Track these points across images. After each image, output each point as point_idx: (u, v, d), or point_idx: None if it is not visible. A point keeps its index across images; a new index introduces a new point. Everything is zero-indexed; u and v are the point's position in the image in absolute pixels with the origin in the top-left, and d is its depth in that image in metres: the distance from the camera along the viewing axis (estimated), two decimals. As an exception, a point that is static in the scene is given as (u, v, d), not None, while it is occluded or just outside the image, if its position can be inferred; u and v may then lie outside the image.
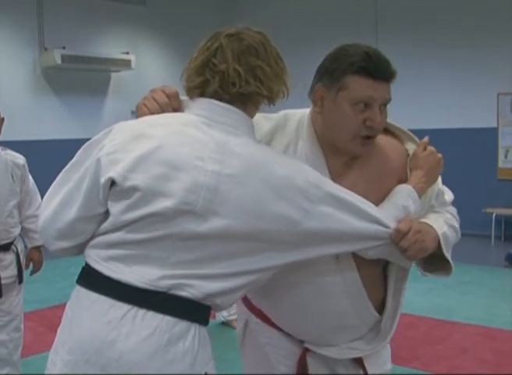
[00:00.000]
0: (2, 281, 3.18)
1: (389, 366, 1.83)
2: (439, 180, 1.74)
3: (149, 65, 9.12)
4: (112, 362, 1.43)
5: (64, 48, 7.94)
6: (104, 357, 1.43)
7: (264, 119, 1.67)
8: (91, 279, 1.50)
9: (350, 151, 1.63)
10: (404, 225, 1.51)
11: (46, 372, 1.54)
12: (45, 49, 8.04)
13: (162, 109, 1.54)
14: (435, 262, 1.67)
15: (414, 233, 1.51)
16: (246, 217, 1.42)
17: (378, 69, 1.57)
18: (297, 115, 1.73)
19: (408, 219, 1.56)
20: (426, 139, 1.74)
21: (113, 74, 8.85)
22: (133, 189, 1.43)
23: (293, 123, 1.71)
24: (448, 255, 1.64)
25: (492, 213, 7.78)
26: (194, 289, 1.45)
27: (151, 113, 1.55)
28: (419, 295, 5.47)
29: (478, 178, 8.09)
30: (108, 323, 1.44)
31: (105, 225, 1.49)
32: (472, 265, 6.56)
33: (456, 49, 8.13)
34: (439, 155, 1.73)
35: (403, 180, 1.67)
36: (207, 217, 1.42)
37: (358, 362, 1.73)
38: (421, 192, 1.65)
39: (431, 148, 1.72)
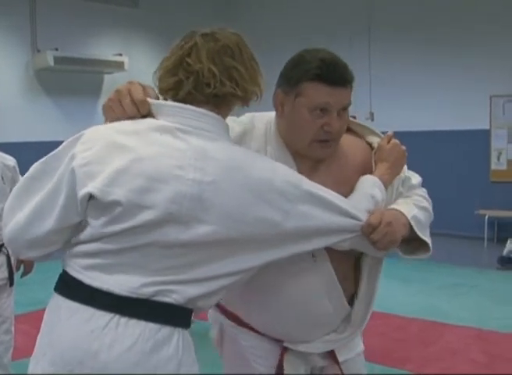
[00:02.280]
0: (-8, 283, 3.18)
1: (361, 348, 1.87)
2: (405, 167, 1.78)
3: (142, 66, 9.08)
4: (95, 372, 1.41)
5: (57, 49, 7.91)
6: (87, 367, 1.42)
7: (233, 123, 1.67)
8: (71, 288, 1.48)
9: (310, 155, 1.67)
10: (375, 218, 1.55)
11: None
12: (38, 51, 8.02)
13: (130, 117, 1.50)
14: (412, 243, 1.70)
15: (384, 225, 1.55)
16: (228, 222, 1.42)
17: (333, 76, 1.59)
18: (265, 118, 1.74)
19: (379, 211, 1.59)
20: (391, 133, 1.78)
21: (106, 76, 8.83)
22: (114, 204, 1.41)
23: (261, 127, 1.72)
24: (423, 235, 1.67)
25: (484, 215, 7.79)
26: (176, 294, 1.44)
27: (118, 119, 1.50)
28: (410, 297, 5.48)
29: (470, 180, 8.12)
30: (90, 333, 1.42)
31: (84, 235, 1.46)
32: (465, 267, 6.58)
33: (448, 51, 8.15)
34: (403, 148, 1.77)
35: (369, 174, 1.70)
36: (190, 225, 1.41)
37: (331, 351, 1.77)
38: (386, 183, 1.68)
39: (395, 141, 1.76)
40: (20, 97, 8.01)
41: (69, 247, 1.50)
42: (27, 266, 3.39)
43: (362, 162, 1.73)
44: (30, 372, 1.52)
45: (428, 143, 8.29)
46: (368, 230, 1.54)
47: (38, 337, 1.54)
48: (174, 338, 1.44)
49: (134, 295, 1.42)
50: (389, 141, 1.74)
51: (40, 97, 8.20)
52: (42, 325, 1.54)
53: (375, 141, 1.77)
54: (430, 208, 1.75)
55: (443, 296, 5.51)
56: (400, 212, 1.63)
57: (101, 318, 1.42)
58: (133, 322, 1.41)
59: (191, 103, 1.50)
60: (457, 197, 8.15)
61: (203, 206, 1.41)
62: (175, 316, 1.45)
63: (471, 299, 5.45)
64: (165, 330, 1.43)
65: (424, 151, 8.26)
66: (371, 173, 1.70)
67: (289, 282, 1.64)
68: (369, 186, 1.65)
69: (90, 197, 1.42)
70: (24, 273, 3.41)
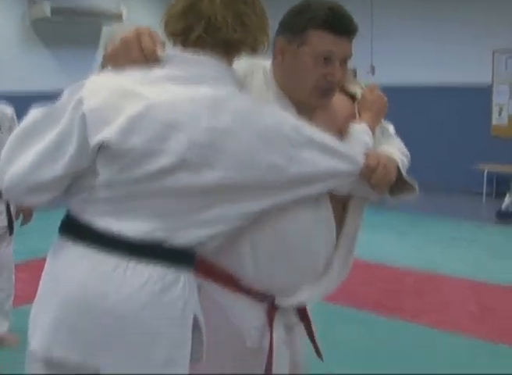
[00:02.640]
0: (-8, 232, 3.21)
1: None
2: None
3: (141, 18, 8.94)
4: (105, 313, 1.45)
5: (54, -1, 7.79)
6: (97, 309, 1.45)
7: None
8: (79, 232, 1.49)
9: (309, 103, 1.67)
10: (372, 160, 1.58)
11: (31, 324, 1.54)
12: (34, 2, 7.88)
13: (146, 58, 1.48)
14: (396, 186, 1.72)
15: (382, 167, 1.58)
16: (238, 168, 1.45)
17: (340, 25, 1.59)
18: (260, 65, 1.72)
19: (374, 154, 1.62)
20: (374, 84, 1.82)
21: (104, 27, 8.71)
22: (129, 151, 1.41)
23: (260, 73, 1.71)
24: (407, 178, 1.71)
25: (484, 170, 7.79)
26: (184, 238, 1.48)
27: (123, 68, 1.48)
28: (407, 249, 5.54)
29: (471, 135, 8.09)
30: (99, 276, 1.45)
31: (94, 181, 1.46)
32: (463, 221, 6.63)
33: (452, 5, 8.02)
34: (385, 98, 1.79)
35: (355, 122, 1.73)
36: (201, 171, 1.43)
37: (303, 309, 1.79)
38: (371, 131, 1.71)
39: (378, 91, 1.78)
40: (17, 47, 7.91)
41: (77, 192, 1.49)
42: (26, 215, 3.41)
43: (349, 111, 1.76)
44: (34, 316, 1.52)
45: (429, 97, 8.23)
46: (368, 173, 1.58)
47: (41, 283, 1.55)
48: (181, 281, 1.48)
49: (144, 240, 1.44)
50: (372, 92, 1.76)
51: (38, 47, 8.10)
52: (45, 270, 1.56)
53: (358, 91, 1.79)
54: (409, 156, 1.79)
55: (440, 250, 5.56)
56: (391, 157, 1.66)
57: (109, 262, 1.45)
58: (142, 266, 1.45)
59: (201, 48, 1.50)
60: (457, 151, 8.14)
61: (214, 153, 1.44)
62: (182, 259, 1.49)
63: (469, 253, 5.50)
64: (172, 273, 1.47)
65: (425, 105, 8.22)
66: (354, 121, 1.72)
67: (291, 221, 1.63)
68: (361, 132, 1.67)
69: (103, 143, 1.42)
70: (24, 222, 3.44)
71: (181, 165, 1.42)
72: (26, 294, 4.10)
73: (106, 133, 1.40)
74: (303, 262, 1.68)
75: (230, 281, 1.67)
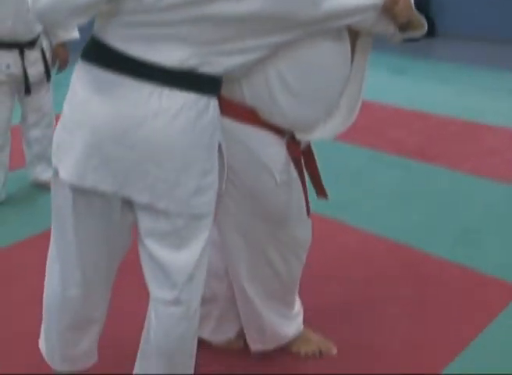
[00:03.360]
0: (30, 79, 3.19)
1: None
2: None
3: None
4: (141, 141, 1.45)
5: None
6: (132, 137, 1.45)
7: None
8: (110, 58, 1.46)
9: None
10: None
11: (56, 153, 1.54)
12: None
13: None
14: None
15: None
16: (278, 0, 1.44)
17: None
18: None
19: None
20: None
21: None
22: None
23: None
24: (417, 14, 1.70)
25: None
26: (216, 65, 1.48)
27: None
28: (451, 97, 5.41)
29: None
30: (133, 104, 1.44)
31: (132, 5, 1.40)
32: (507, 71, 6.36)
33: None
34: None
35: None
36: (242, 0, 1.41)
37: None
38: None
39: None
40: None
41: (110, 15, 1.44)
42: (62, 62, 3.37)
43: None
44: (60, 142, 1.53)
45: None
46: (391, 4, 1.59)
47: (67, 110, 1.53)
48: (211, 107, 1.51)
49: (178, 67, 1.44)
50: None
51: None
52: (70, 97, 1.54)
53: None
54: None
55: (485, 98, 5.41)
56: None
57: (143, 89, 1.44)
58: (176, 93, 1.45)
59: None
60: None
61: None
62: (212, 85, 1.52)
63: (511, 103, 5.33)
64: (204, 99, 1.49)
65: None
66: None
67: (314, 52, 1.63)
68: None
69: None
70: (59, 69, 3.40)
71: None
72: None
73: None
74: (320, 95, 1.69)
75: (250, 116, 1.69)
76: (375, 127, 4.61)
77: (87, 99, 1.49)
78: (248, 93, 1.65)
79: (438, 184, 3.65)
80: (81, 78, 1.51)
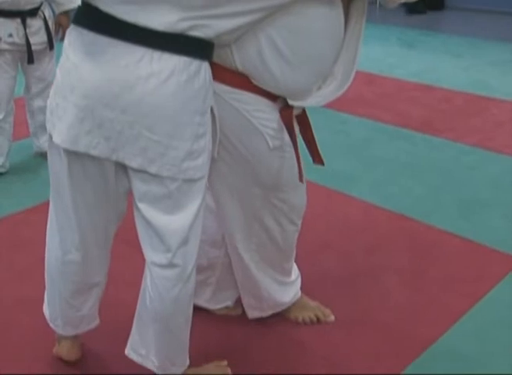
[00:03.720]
0: (33, 47, 3.19)
1: None
2: None
3: None
4: (132, 105, 1.45)
5: None
6: (124, 100, 1.45)
7: None
8: (101, 22, 1.45)
9: None
10: None
11: (50, 119, 1.55)
12: None
13: None
14: None
15: None
16: None
17: None
18: None
19: None
20: None
21: None
22: None
23: None
24: None
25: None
26: (208, 29, 1.47)
27: None
28: (459, 70, 5.35)
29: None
30: (124, 68, 1.44)
31: None
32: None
33: None
34: None
35: None
36: None
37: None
38: None
39: None
40: None
41: None
42: (65, 30, 3.34)
43: None
44: (53, 107, 1.53)
45: None
46: None
47: (59, 75, 1.54)
48: (202, 71, 1.50)
49: (169, 30, 1.43)
50: None
51: None
52: (62, 62, 1.54)
53: None
54: None
55: (493, 72, 5.34)
56: None
57: (134, 53, 1.43)
58: (167, 56, 1.44)
59: None
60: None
61: None
62: (203, 49, 1.50)
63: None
64: (196, 63, 1.48)
65: None
66: None
67: (306, 17, 1.59)
68: None
69: None
70: (62, 37, 3.38)
71: None
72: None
73: None
74: (313, 62, 1.67)
75: (241, 82, 1.67)
76: (382, 100, 4.58)
77: (78, 64, 1.48)
78: (239, 60, 1.64)
79: (442, 157, 3.63)
80: (73, 43, 1.51)
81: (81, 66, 1.48)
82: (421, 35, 6.68)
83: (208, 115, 1.56)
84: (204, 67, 1.51)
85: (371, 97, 4.63)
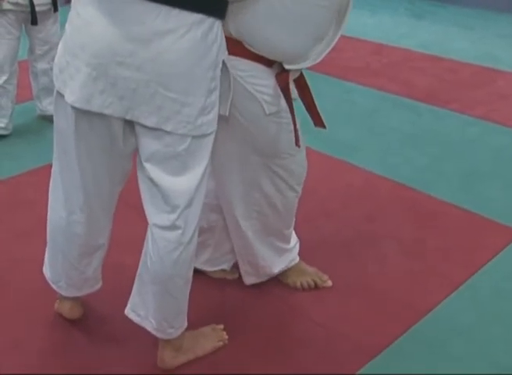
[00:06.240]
0: (36, 9, 3.16)
1: None
2: None
3: None
4: (147, 62, 1.44)
5: None
6: (138, 58, 1.44)
7: None
8: None
9: None
10: None
11: (60, 78, 1.53)
12: None
13: None
14: None
15: None
16: None
17: None
18: None
19: None
20: None
21: None
22: None
23: None
24: None
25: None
26: None
27: None
28: (468, 42, 5.28)
29: None
30: (141, 25, 1.42)
31: None
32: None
33: None
34: None
35: None
36: None
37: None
38: None
39: None
40: None
41: None
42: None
43: None
44: (63, 66, 1.51)
45: None
46: None
47: (69, 33, 1.52)
48: (215, 27, 1.49)
49: None
50: None
51: None
52: (70, 18, 1.52)
53: None
54: None
55: (502, 44, 5.27)
56: None
57: (150, 9, 1.42)
58: (183, 13, 1.43)
59: None
60: None
61: None
62: (217, 7, 1.49)
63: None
64: (209, 20, 1.47)
65: None
66: None
67: None
68: None
69: None
70: (68, 0, 3.36)
71: None
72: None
73: None
74: (309, 25, 1.66)
75: (236, 48, 1.66)
76: (388, 70, 4.54)
77: (90, 20, 1.46)
78: (234, 26, 1.64)
79: (447, 128, 3.61)
80: (84, 2, 1.48)
81: (94, 22, 1.46)
82: (431, 6, 6.58)
83: (219, 69, 1.55)
84: (218, 24, 1.50)
85: (377, 66, 4.59)
